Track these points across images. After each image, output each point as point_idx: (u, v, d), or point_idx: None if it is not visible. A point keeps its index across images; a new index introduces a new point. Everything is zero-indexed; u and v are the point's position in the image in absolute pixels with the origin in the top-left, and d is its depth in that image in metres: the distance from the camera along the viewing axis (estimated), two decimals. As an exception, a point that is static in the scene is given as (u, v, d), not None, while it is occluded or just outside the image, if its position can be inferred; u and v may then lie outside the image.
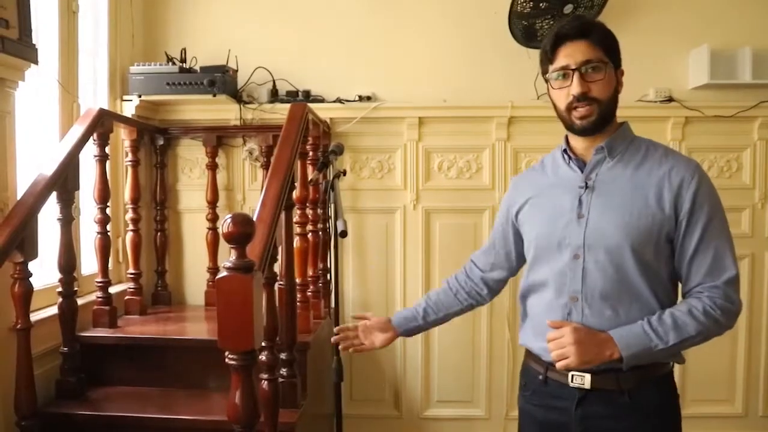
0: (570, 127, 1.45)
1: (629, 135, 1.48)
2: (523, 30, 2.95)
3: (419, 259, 3.20)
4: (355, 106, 3.12)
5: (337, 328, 1.80)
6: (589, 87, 1.38)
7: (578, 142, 1.48)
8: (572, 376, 1.41)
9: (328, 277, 3.00)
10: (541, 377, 1.49)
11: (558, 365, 1.38)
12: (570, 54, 1.39)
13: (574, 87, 1.38)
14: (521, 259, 1.64)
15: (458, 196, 3.17)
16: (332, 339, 1.78)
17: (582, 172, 1.46)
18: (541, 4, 2.86)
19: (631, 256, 1.37)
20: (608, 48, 1.41)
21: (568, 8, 2.86)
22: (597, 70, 1.38)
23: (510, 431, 3.19)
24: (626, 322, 1.36)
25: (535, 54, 3.03)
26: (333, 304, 2.43)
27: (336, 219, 2.23)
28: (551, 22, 2.90)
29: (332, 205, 2.33)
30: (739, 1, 3.08)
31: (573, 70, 1.38)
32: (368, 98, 3.14)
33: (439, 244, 3.20)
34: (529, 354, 1.57)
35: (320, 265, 2.93)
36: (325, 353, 2.71)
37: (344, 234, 2.15)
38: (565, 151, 1.50)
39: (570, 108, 1.41)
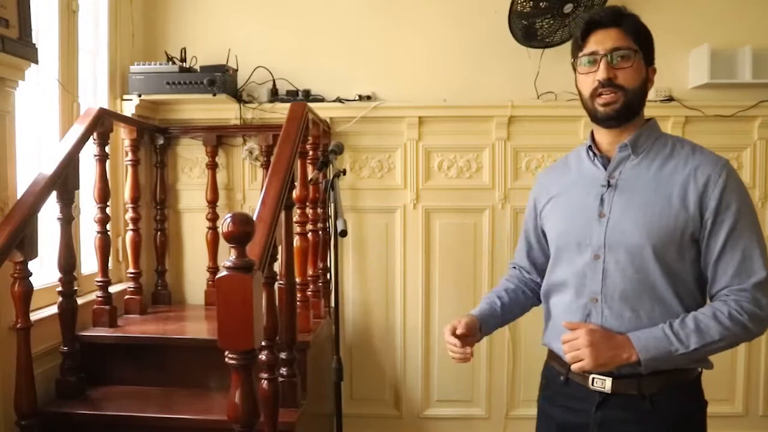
0: (593, 115, 1.42)
1: (656, 132, 1.44)
2: (523, 29, 2.95)
3: (419, 259, 3.20)
4: (355, 105, 3.12)
5: (458, 352, 1.56)
6: (615, 74, 1.36)
7: (603, 137, 1.45)
8: (593, 379, 1.37)
9: (328, 276, 3.00)
10: (562, 378, 1.46)
11: (573, 367, 1.36)
12: (600, 41, 1.37)
13: (600, 72, 1.36)
14: None
15: (458, 195, 3.17)
16: (458, 360, 1.59)
17: (605, 169, 1.42)
18: (541, 4, 2.85)
19: (652, 256, 1.33)
20: (640, 39, 1.38)
21: (567, 8, 2.86)
22: (626, 59, 1.36)
23: (510, 431, 3.19)
24: (648, 325, 1.33)
25: (535, 53, 3.04)
26: (333, 304, 2.43)
27: (336, 218, 2.23)
28: (551, 22, 2.90)
29: (332, 205, 2.33)
30: (739, 0, 3.08)
31: (601, 55, 1.36)
32: (368, 98, 3.14)
33: (439, 244, 3.20)
34: (551, 354, 1.54)
35: (320, 265, 2.93)
36: (325, 353, 2.71)
37: (344, 233, 2.15)
38: (590, 147, 1.47)
39: (594, 94, 1.38)
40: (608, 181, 1.40)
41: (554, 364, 1.52)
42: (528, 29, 2.95)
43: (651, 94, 3.01)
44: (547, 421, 1.53)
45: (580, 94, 1.44)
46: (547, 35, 2.95)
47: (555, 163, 1.65)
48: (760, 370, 3.16)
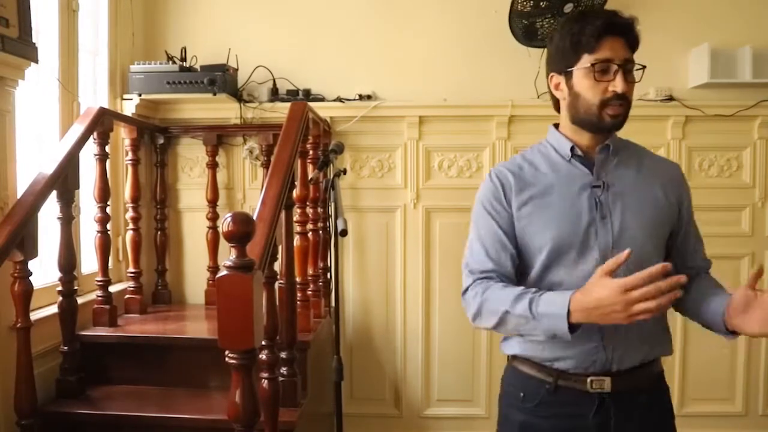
0: (595, 123, 1.38)
1: (616, 135, 1.47)
2: (524, 29, 2.95)
3: (419, 258, 3.20)
4: (356, 105, 3.12)
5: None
6: (628, 87, 1.36)
7: (584, 139, 1.43)
8: (591, 381, 1.36)
9: (329, 276, 3.00)
10: (548, 387, 1.40)
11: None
12: (614, 48, 1.34)
13: (620, 85, 1.34)
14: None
15: (458, 195, 3.16)
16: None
17: (587, 169, 1.42)
18: (541, 3, 2.85)
19: (652, 254, 1.38)
20: (634, 53, 1.39)
21: (568, 7, 2.85)
22: (632, 72, 1.37)
23: (510, 430, 3.19)
24: (651, 321, 1.28)
25: (535, 53, 3.04)
26: (333, 303, 2.43)
27: (336, 218, 2.23)
28: (551, 21, 2.90)
29: (332, 204, 2.33)
30: (739, 0, 3.08)
31: (618, 65, 1.34)
32: (368, 97, 3.14)
33: (439, 243, 3.20)
34: (527, 363, 1.45)
35: (320, 264, 2.93)
36: (326, 352, 2.71)
37: (344, 233, 2.15)
38: (572, 148, 1.44)
39: (605, 104, 1.36)
40: (602, 183, 1.40)
41: (535, 373, 1.43)
42: (528, 29, 2.95)
43: (651, 94, 3.04)
44: None
45: (578, 96, 1.39)
46: (547, 35, 2.95)
47: (512, 163, 1.51)
48: (760, 370, 3.16)
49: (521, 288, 1.36)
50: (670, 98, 3.06)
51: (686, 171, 3.08)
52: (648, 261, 1.33)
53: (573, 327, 1.26)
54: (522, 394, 1.45)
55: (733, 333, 1.34)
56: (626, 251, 1.23)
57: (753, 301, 1.28)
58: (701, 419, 3.13)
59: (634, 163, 1.45)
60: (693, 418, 3.12)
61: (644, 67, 1.39)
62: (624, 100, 1.36)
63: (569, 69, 1.39)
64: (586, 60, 1.36)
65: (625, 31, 1.37)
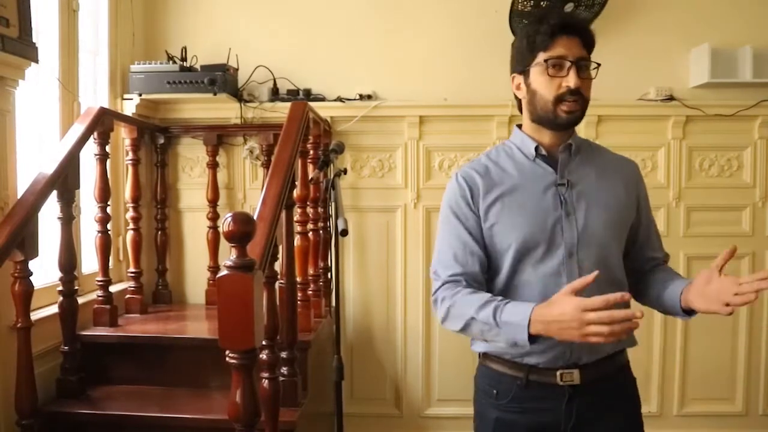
0: (551, 119, 1.42)
1: (577, 134, 1.52)
2: (524, 29, 2.96)
3: (420, 258, 3.19)
4: (356, 104, 3.12)
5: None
6: (582, 83, 1.39)
7: (545, 138, 1.47)
8: (561, 374, 1.40)
9: (329, 275, 3.00)
10: (520, 382, 1.43)
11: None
12: (568, 47, 1.39)
13: (572, 80, 1.37)
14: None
15: (459, 194, 3.16)
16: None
17: (551, 168, 1.45)
18: (541, 3, 2.85)
19: (615, 249, 1.46)
20: (590, 53, 1.44)
21: (568, 7, 2.85)
22: (587, 69, 1.42)
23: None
24: None
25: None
26: (333, 303, 2.43)
27: (337, 218, 2.23)
28: (552, 21, 2.90)
29: (333, 204, 2.33)
30: (739, 0, 3.08)
31: (571, 62, 1.38)
32: (369, 97, 3.14)
33: (439, 243, 3.19)
34: (498, 361, 1.48)
35: (321, 264, 2.93)
36: (326, 352, 2.71)
37: (345, 233, 2.15)
38: (537, 147, 1.47)
39: (560, 99, 1.40)
40: (567, 181, 1.44)
41: (506, 370, 1.46)
42: (529, 28, 2.95)
43: (652, 94, 3.04)
44: (510, 430, 1.47)
45: (535, 93, 1.43)
46: (536, 23, 2.94)
47: (477, 163, 1.53)
48: (760, 370, 3.16)
49: (488, 295, 1.38)
50: (671, 98, 3.06)
51: (686, 171, 3.12)
52: (610, 256, 1.44)
53: (533, 337, 1.28)
54: (495, 392, 1.48)
55: (687, 313, 1.41)
56: (594, 273, 1.26)
57: (713, 280, 1.34)
58: (701, 419, 3.13)
59: (596, 162, 1.50)
60: (693, 418, 3.12)
61: (599, 65, 1.43)
62: (578, 96, 1.39)
63: (526, 68, 1.45)
64: (540, 57, 1.41)
65: (579, 31, 1.42)
